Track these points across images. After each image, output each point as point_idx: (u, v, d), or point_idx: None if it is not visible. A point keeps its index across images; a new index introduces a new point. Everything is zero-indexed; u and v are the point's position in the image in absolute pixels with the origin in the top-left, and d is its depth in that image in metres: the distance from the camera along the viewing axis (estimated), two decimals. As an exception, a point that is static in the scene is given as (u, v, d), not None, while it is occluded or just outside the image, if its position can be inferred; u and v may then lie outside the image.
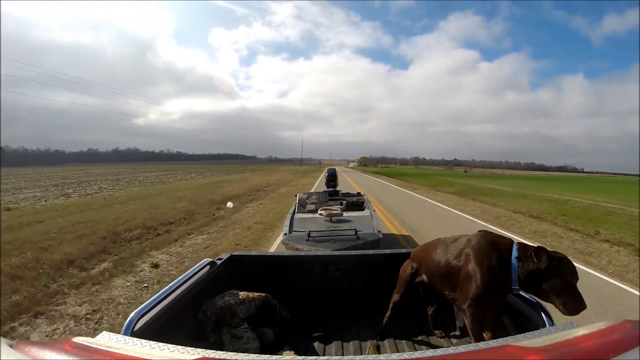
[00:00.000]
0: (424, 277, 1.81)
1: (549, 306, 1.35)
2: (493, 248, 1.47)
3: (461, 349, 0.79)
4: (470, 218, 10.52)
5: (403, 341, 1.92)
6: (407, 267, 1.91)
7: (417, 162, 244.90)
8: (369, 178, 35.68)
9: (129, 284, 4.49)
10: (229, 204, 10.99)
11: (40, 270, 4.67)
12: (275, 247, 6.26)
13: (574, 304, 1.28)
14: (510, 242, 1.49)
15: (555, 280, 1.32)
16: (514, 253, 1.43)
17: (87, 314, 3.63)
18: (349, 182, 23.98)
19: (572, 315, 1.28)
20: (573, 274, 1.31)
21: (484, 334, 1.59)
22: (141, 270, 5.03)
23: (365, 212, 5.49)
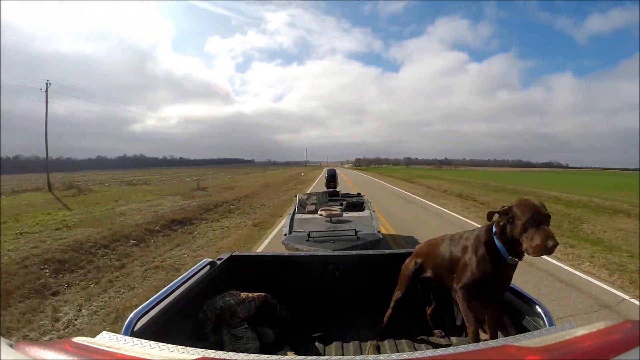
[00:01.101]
0: (429, 272, 1.83)
1: (549, 306, 1.35)
2: (486, 235, 1.50)
3: (461, 349, 0.79)
4: (372, 178, 36.51)
5: (403, 341, 1.91)
6: (410, 264, 1.92)
7: (409, 162, 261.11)
8: (353, 172, 59.50)
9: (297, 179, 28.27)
10: (302, 174, 40.87)
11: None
12: (316, 182, 22.56)
13: (533, 245, 1.27)
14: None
15: (514, 229, 1.35)
16: (493, 230, 1.47)
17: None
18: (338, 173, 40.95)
19: (535, 256, 1.28)
20: (529, 214, 1.30)
21: (483, 334, 1.59)
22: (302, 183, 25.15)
23: (365, 213, 5.49)
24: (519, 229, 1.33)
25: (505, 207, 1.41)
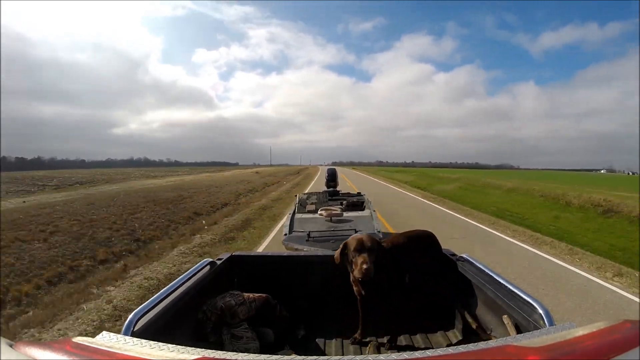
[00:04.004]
0: None
1: (549, 306, 1.35)
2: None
3: (461, 348, 0.79)
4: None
5: (403, 341, 1.91)
6: None
7: (380, 164, 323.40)
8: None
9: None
10: (309, 167, 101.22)
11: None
12: (318, 175, 33.34)
13: (356, 268, 1.67)
14: None
15: (349, 257, 1.75)
16: None
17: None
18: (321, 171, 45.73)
19: (359, 277, 1.66)
20: (354, 245, 1.72)
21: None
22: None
23: (365, 212, 5.48)
24: (349, 257, 1.73)
25: (343, 243, 1.80)
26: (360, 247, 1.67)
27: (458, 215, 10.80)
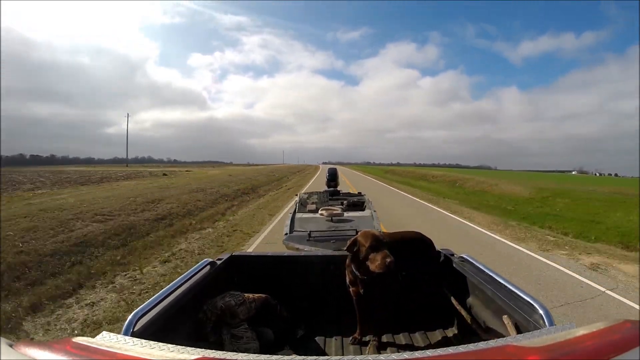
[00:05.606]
0: None
1: (549, 306, 1.35)
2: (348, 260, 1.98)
3: (461, 349, 0.79)
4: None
5: (403, 340, 1.91)
6: None
7: (368, 164, 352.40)
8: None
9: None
10: (307, 164, 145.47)
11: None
12: (314, 179, 30.04)
13: (375, 264, 1.63)
14: None
15: (361, 254, 1.72)
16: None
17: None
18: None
19: (379, 272, 1.62)
20: (369, 242, 1.70)
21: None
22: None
23: (366, 212, 5.47)
24: (364, 254, 1.68)
25: (352, 239, 1.76)
26: (377, 243, 1.67)
27: (364, 176, 38.81)
